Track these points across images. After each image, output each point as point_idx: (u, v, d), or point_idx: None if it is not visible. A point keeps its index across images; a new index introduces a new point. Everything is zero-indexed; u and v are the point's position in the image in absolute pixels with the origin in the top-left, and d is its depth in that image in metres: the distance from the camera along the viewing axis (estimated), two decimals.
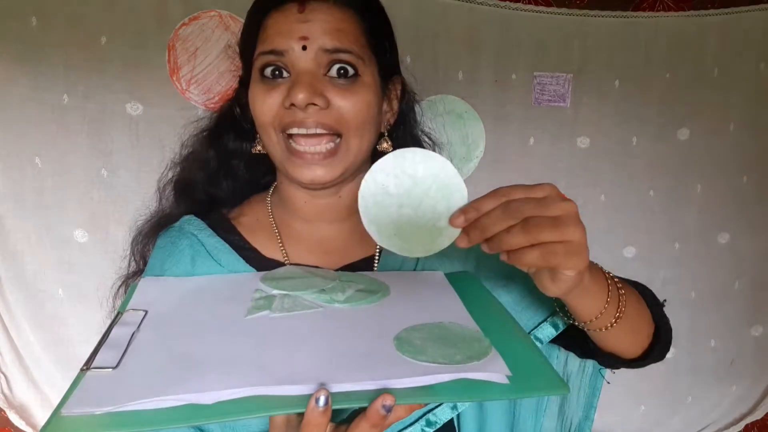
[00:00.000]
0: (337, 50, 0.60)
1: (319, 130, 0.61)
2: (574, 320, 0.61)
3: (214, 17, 1.17)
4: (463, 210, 0.50)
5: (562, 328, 0.66)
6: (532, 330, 0.67)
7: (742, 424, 1.54)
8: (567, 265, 0.47)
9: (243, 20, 0.68)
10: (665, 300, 0.69)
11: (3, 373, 1.27)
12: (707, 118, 1.35)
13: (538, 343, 0.66)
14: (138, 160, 1.19)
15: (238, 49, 0.71)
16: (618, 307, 0.57)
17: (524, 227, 0.45)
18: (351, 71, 0.61)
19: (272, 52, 0.61)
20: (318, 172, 0.63)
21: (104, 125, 1.17)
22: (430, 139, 0.82)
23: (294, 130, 0.62)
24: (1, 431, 1.28)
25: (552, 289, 0.50)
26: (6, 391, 1.28)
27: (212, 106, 1.18)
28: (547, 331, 0.66)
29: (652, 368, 1.64)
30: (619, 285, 0.58)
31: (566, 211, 0.46)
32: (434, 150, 0.82)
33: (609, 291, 0.56)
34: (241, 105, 0.72)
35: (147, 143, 1.18)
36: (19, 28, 1.11)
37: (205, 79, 1.18)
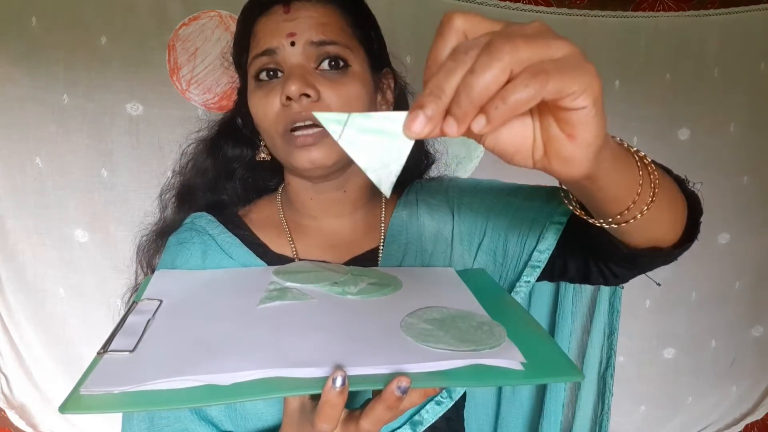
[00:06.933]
0: (323, 42, 0.63)
1: (309, 123, 0.63)
2: (599, 221, 0.48)
3: (214, 17, 1.17)
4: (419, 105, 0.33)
5: (565, 218, 0.64)
6: (536, 246, 0.65)
7: (742, 425, 1.54)
8: (572, 84, 0.31)
9: None
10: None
11: (3, 373, 1.27)
12: (707, 118, 1.35)
13: (549, 243, 0.64)
14: (138, 160, 1.19)
15: (232, 60, 0.73)
16: (651, 181, 0.45)
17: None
18: (341, 63, 0.64)
19: (264, 52, 0.64)
20: (314, 155, 0.64)
21: (104, 125, 1.17)
22: None
23: (298, 124, 0.63)
24: (1, 431, 1.28)
25: (575, 153, 0.36)
26: (6, 391, 1.28)
27: (212, 106, 1.18)
28: (553, 231, 0.64)
29: (652, 368, 1.63)
30: (639, 151, 0.46)
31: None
32: (428, 149, 0.83)
33: (636, 161, 0.45)
34: (242, 114, 0.74)
35: (147, 143, 1.19)
36: (19, 28, 1.11)
37: (205, 79, 1.19)
